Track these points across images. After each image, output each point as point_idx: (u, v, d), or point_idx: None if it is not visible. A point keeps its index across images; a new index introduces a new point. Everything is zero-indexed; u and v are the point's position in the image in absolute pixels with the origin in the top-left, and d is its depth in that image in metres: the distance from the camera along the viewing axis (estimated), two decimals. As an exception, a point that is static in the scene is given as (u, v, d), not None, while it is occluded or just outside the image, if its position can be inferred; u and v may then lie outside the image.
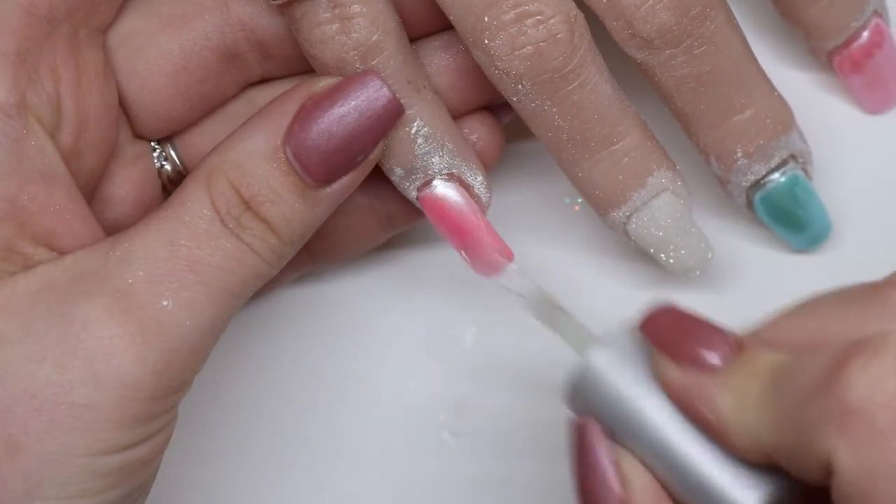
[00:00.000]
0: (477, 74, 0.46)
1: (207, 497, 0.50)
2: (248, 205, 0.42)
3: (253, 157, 0.42)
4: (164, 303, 0.41)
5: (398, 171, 0.45)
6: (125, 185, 0.47)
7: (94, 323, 0.40)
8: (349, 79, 0.43)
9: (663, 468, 0.38)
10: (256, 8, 0.46)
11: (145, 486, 0.42)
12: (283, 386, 0.51)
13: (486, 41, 0.44)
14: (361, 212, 0.48)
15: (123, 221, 0.46)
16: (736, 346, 0.38)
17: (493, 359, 0.50)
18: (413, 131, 0.45)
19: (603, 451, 0.39)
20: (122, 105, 0.46)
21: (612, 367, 0.39)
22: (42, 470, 0.40)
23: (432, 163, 0.45)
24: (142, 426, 0.41)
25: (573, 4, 0.44)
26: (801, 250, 0.49)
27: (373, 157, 0.44)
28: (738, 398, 0.37)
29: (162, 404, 0.41)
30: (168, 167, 0.48)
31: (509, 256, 0.46)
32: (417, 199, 0.46)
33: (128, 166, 0.47)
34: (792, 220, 0.48)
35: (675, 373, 0.38)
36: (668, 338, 0.38)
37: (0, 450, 0.40)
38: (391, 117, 0.43)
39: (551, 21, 0.44)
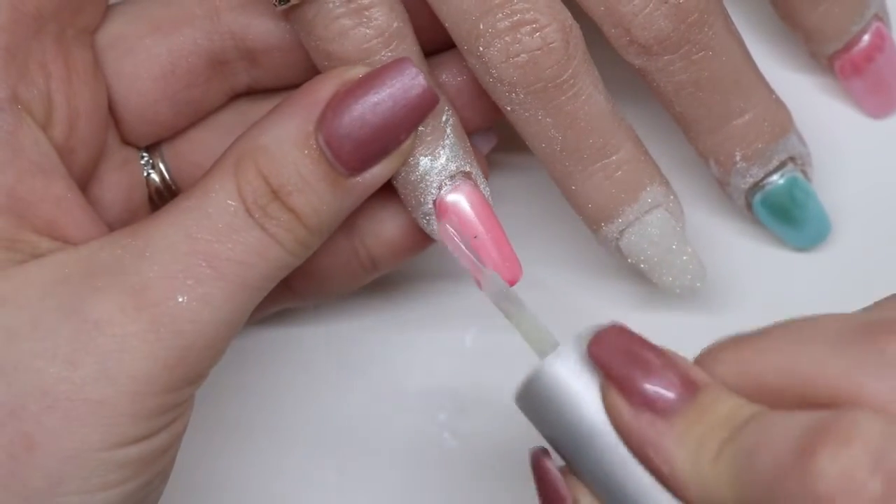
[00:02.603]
0: (472, 92, 0.46)
1: (216, 483, 0.50)
2: (276, 194, 0.41)
3: (284, 144, 0.42)
4: (179, 299, 0.40)
5: (424, 161, 0.44)
6: (112, 189, 0.46)
7: (107, 321, 0.40)
8: (384, 66, 0.42)
9: (604, 494, 0.37)
10: (247, 18, 0.46)
11: (165, 473, 0.42)
12: (283, 385, 0.51)
13: (481, 49, 0.44)
14: (345, 255, 0.47)
15: (110, 226, 0.45)
16: (691, 384, 0.36)
17: (493, 359, 0.50)
18: (443, 120, 0.44)
19: (561, 487, 0.38)
20: (110, 108, 0.46)
21: (566, 380, 0.38)
22: (62, 467, 0.39)
23: (458, 155, 0.45)
24: (157, 417, 0.41)
25: (569, 14, 0.44)
26: (801, 249, 0.49)
27: (405, 147, 0.43)
28: (694, 454, 0.36)
29: (176, 396, 0.41)
30: (155, 176, 0.48)
31: (519, 271, 0.45)
32: (436, 201, 0.45)
33: (115, 171, 0.46)
34: (790, 220, 0.48)
35: (626, 413, 0.36)
36: (620, 369, 0.37)
37: (17, 448, 0.39)
38: (426, 106, 0.43)
39: (546, 30, 0.43)
